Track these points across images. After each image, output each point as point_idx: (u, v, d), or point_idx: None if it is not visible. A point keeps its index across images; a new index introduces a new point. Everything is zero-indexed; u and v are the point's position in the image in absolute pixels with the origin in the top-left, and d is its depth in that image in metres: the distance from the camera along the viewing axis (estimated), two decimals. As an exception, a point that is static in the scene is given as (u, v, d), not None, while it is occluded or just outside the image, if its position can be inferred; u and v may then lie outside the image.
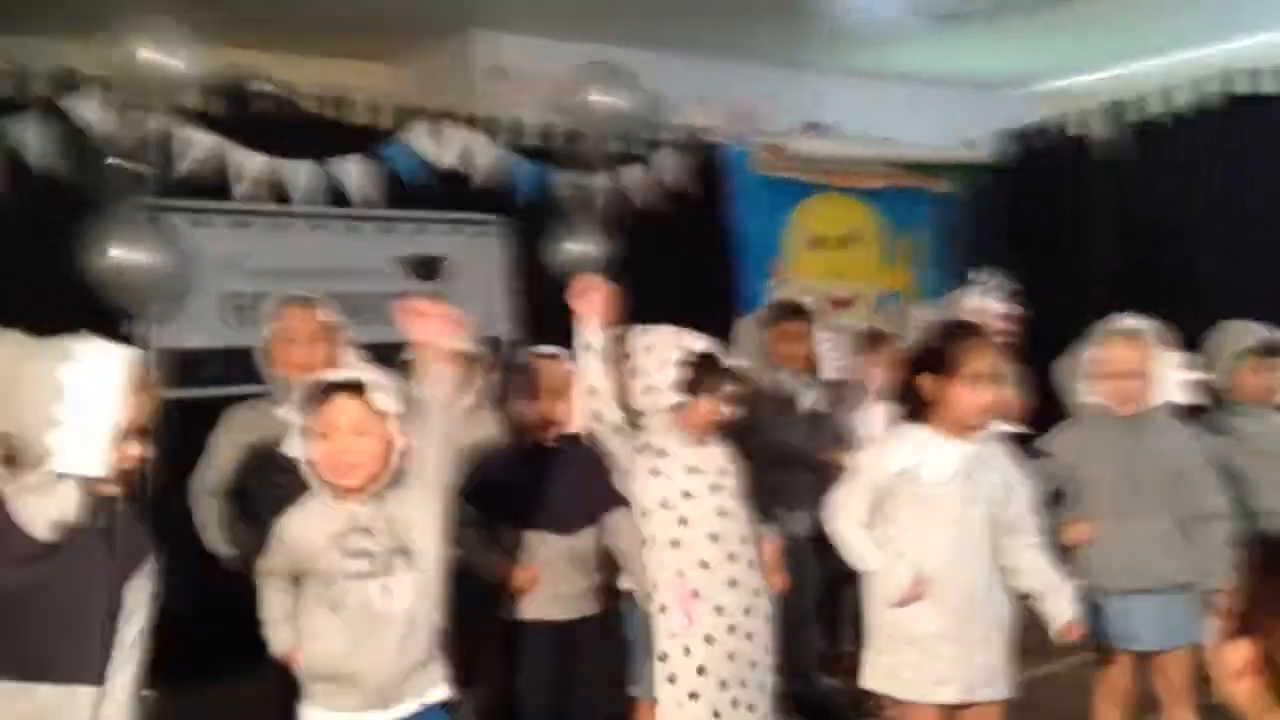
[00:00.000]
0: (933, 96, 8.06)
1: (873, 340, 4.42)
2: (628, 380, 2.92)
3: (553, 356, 3.18)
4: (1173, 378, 3.22)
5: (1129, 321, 3.25)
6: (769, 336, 4.12)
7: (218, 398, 4.71)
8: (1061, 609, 2.78)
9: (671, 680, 2.78)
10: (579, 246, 5.68)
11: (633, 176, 6.19)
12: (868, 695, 3.01)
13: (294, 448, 2.51)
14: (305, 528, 2.50)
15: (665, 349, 2.85)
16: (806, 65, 7.46)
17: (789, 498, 3.56)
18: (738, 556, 2.88)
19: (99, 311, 4.44)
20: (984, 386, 2.71)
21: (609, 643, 3.22)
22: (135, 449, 2.22)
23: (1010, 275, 7.35)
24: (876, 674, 2.81)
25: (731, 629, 2.82)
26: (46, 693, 2.10)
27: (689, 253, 6.27)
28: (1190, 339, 4.28)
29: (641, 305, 5.07)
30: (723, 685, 2.77)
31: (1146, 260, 6.73)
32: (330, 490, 2.48)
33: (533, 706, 3.07)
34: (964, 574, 2.70)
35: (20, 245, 4.48)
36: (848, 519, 2.82)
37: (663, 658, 2.81)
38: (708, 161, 6.52)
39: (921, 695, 2.73)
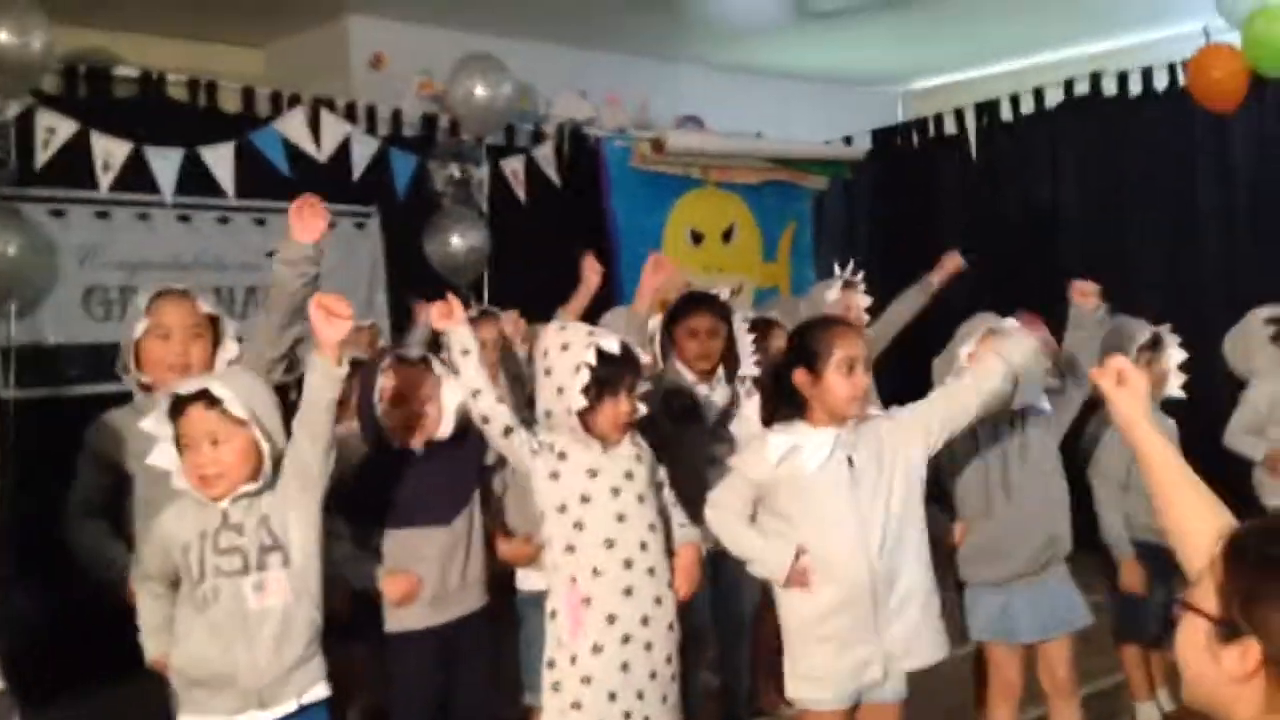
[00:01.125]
0: (804, 92, 8.18)
1: (763, 330, 4.33)
2: (540, 377, 2.86)
3: (420, 361, 3.11)
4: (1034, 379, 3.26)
5: (999, 321, 3.32)
6: (677, 332, 3.87)
7: (79, 396, 4.60)
8: None
9: (555, 688, 2.73)
10: (457, 239, 5.64)
11: (511, 168, 6.14)
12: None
13: (161, 458, 2.51)
14: (177, 526, 2.51)
15: (579, 349, 2.78)
16: (680, 58, 7.50)
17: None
18: (634, 563, 2.80)
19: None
20: (856, 373, 2.75)
21: (492, 645, 3.19)
22: None
23: (878, 269, 7.59)
24: (796, 681, 2.80)
25: (626, 638, 2.74)
26: None
27: (568, 246, 6.21)
28: (1056, 334, 4.46)
29: (520, 298, 5.07)
30: (612, 697, 2.71)
31: (1012, 255, 6.95)
32: (198, 489, 2.50)
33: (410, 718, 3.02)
34: (860, 557, 2.70)
35: None
36: (726, 514, 2.84)
37: (550, 664, 2.76)
38: (586, 154, 6.49)
39: (836, 686, 2.73)
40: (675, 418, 3.72)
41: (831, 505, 2.72)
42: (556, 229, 6.21)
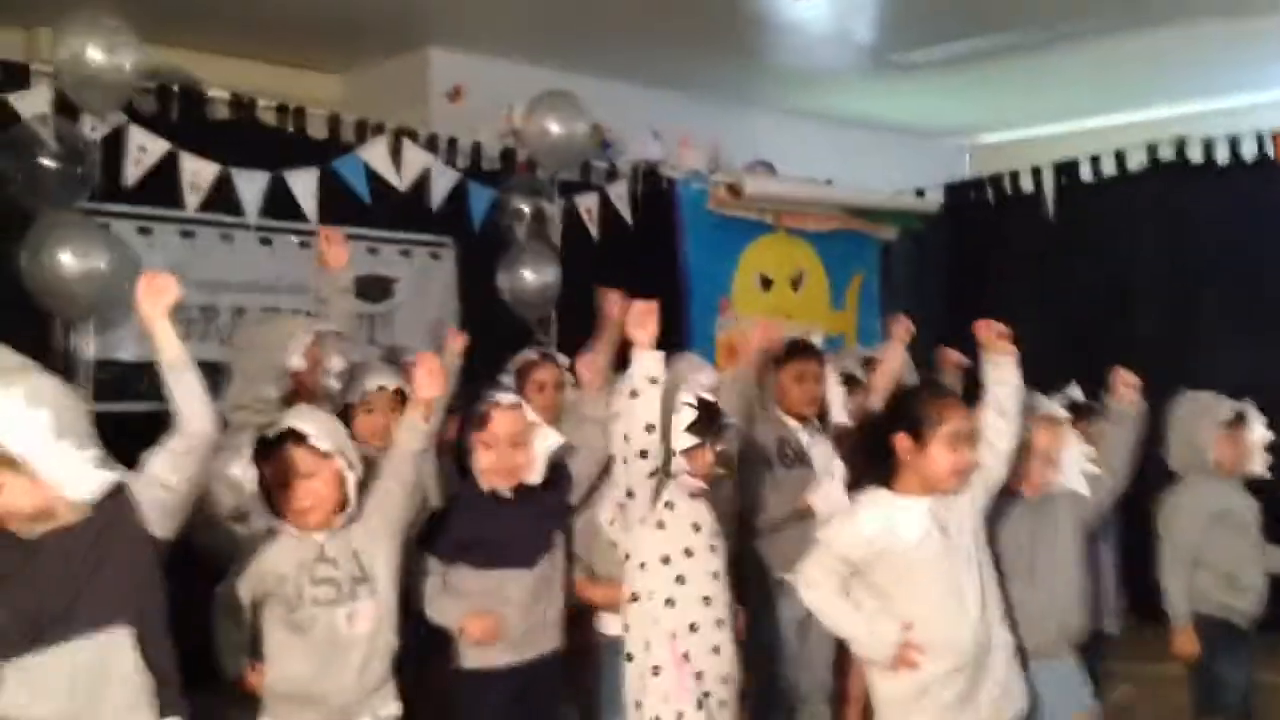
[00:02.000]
0: (870, 141, 8.15)
1: (849, 385, 4.30)
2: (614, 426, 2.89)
3: (513, 406, 3.11)
4: (1076, 463, 3.24)
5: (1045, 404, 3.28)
6: (782, 377, 3.94)
7: (154, 413, 4.58)
8: None
9: None
10: (530, 274, 5.61)
11: (586, 205, 6.12)
12: None
13: (254, 505, 2.72)
14: (277, 559, 2.69)
15: (679, 393, 2.82)
16: (752, 102, 7.48)
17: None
18: (724, 623, 2.84)
19: (31, 318, 4.28)
20: (961, 449, 2.69)
21: (567, 686, 3.24)
22: None
23: (946, 324, 7.50)
24: None
25: (706, 695, 2.78)
26: None
27: (639, 285, 6.16)
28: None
29: (588, 336, 5.04)
30: None
31: (1084, 322, 6.84)
32: (294, 524, 2.69)
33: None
34: (963, 625, 2.68)
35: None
36: (823, 592, 2.77)
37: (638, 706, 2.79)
38: (660, 195, 6.47)
39: None
40: (789, 463, 3.75)
41: (931, 580, 2.67)
42: (627, 268, 6.17)
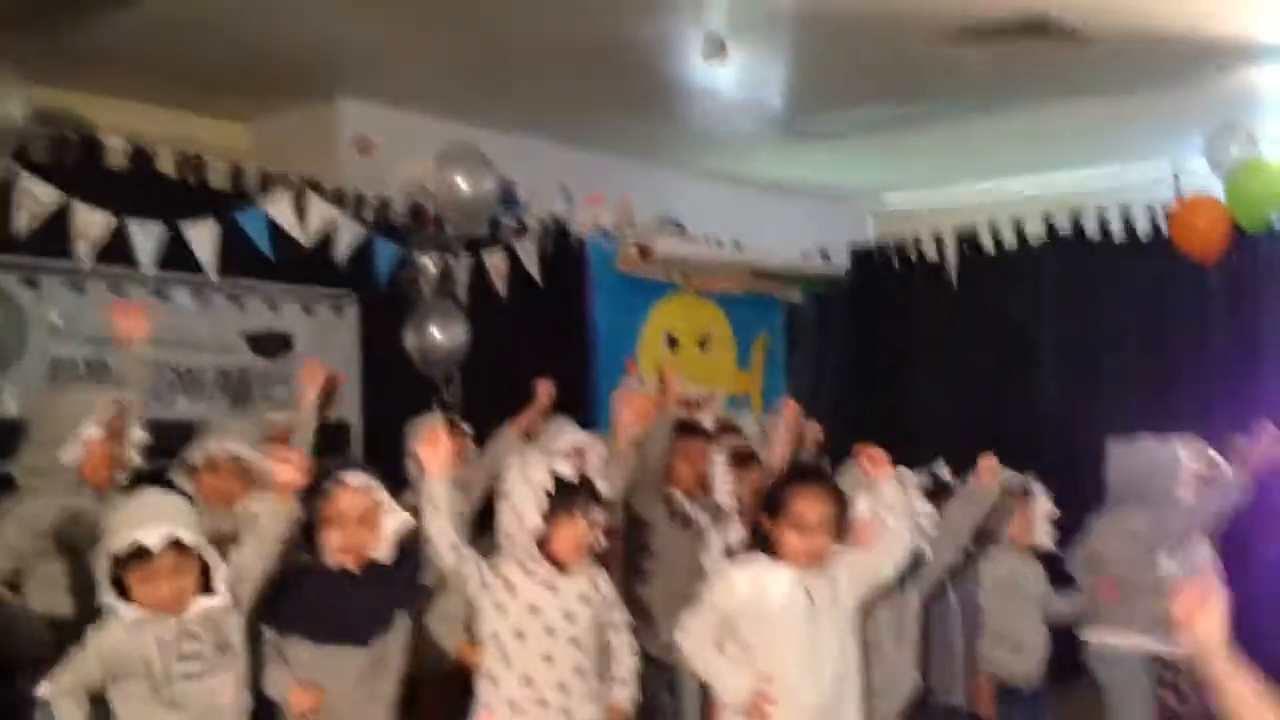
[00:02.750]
0: (783, 204, 8.23)
1: (740, 461, 4.36)
2: (500, 501, 2.99)
3: (361, 487, 3.07)
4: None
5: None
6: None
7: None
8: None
9: None
10: (437, 332, 5.53)
11: (493, 262, 6.06)
12: None
13: (106, 595, 2.71)
14: (133, 639, 2.68)
15: (536, 473, 2.91)
16: (664, 163, 7.52)
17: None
18: (549, 704, 2.91)
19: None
20: (811, 533, 2.93)
21: None
22: None
23: (849, 387, 7.58)
24: None
25: None
26: None
27: (547, 344, 6.16)
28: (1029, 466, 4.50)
29: (496, 394, 4.97)
30: None
31: (987, 388, 6.97)
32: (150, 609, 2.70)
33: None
34: (812, 690, 2.90)
35: None
36: (694, 640, 3.00)
37: None
38: (569, 252, 6.44)
39: None
40: (677, 523, 4.09)
41: (789, 642, 2.91)
42: (535, 326, 6.14)
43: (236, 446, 3.79)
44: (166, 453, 4.58)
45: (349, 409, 5.44)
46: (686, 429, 4.28)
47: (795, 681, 2.89)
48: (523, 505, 2.89)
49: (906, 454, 4.22)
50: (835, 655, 2.94)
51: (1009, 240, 6.98)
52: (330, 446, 4.82)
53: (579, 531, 2.93)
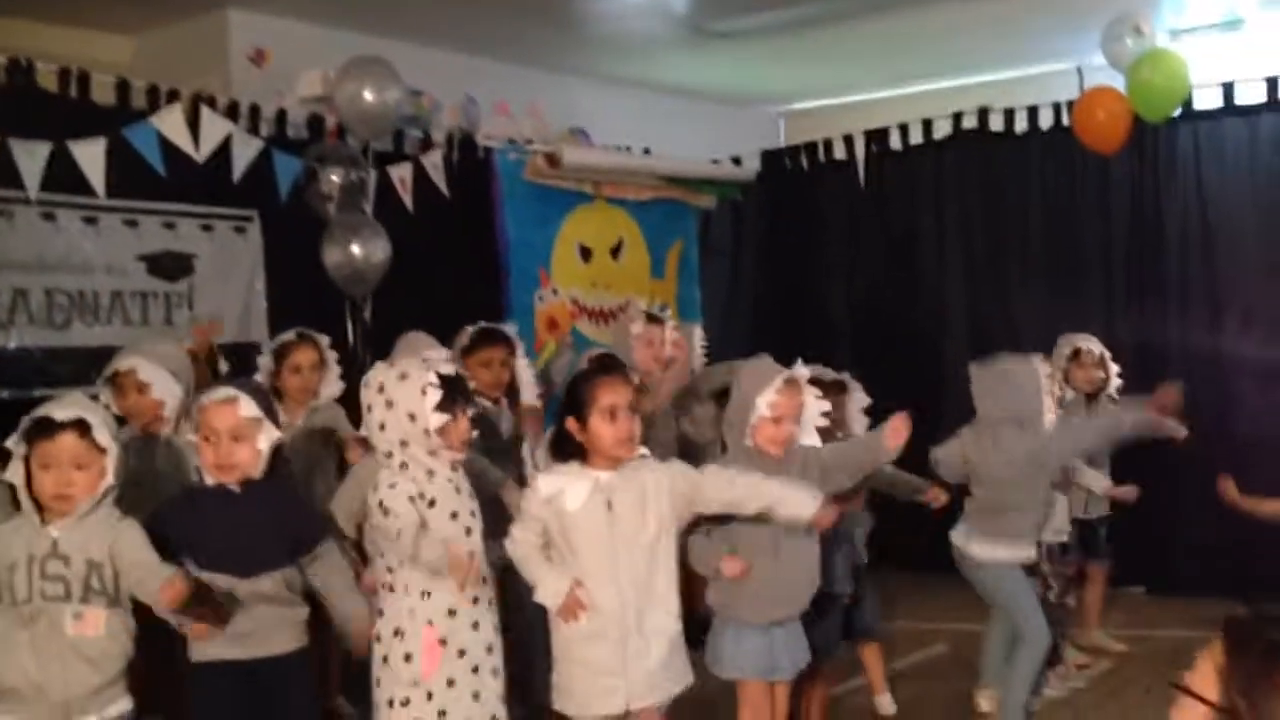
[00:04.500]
0: (693, 109, 8.17)
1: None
2: (380, 417, 2.99)
3: (227, 400, 3.04)
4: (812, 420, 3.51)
5: (791, 370, 3.45)
6: (469, 363, 4.16)
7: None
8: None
9: None
10: (357, 248, 5.41)
11: (399, 176, 5.93)
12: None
13: (13, 474, 2.73)
14: (8, 546, 2.72)
15: (420, 373, 2.97)
16: (571, 70, 7.40)
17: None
18: (479, 599, 3.03)
19: None
20: (619, 419, 2.97)
21: (305, 681, 3.16)
22: None
23: (763, 291, 7.62)
24: (557, 694, 3.07)
25: (475, 669, 2.98)
26: None
27: (457, 258, 6.07)
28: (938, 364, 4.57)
29: (407, 310, 4.90)
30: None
31: (893, 283, 7.04)
32: (38, 514, 2.73)
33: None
34: (612, 593, 2.96)
35: None
36: (520, 547, 3.05)
37: (405, 703, 2.90)
38: (476, 164, 6.32)
39: (586, 708, 3.00)
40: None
41: (588, 543, 2.97)
42: (444, 240, 6.04)
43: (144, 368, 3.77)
44: (63, 380, 4.52)
45: (256, 330, 5.33)
46: (483, 337, 4.34)
47: (595, 589, 2.95)
48: (416, 407, 2.93)
49: (819, 352, 4.28)
50: (640, 561, 2.98)
51: (916, 138, 6.99)
52: (237, 368, 4.76)
53: (463, 426, 3.01)
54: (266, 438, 3.04)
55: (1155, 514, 5.46)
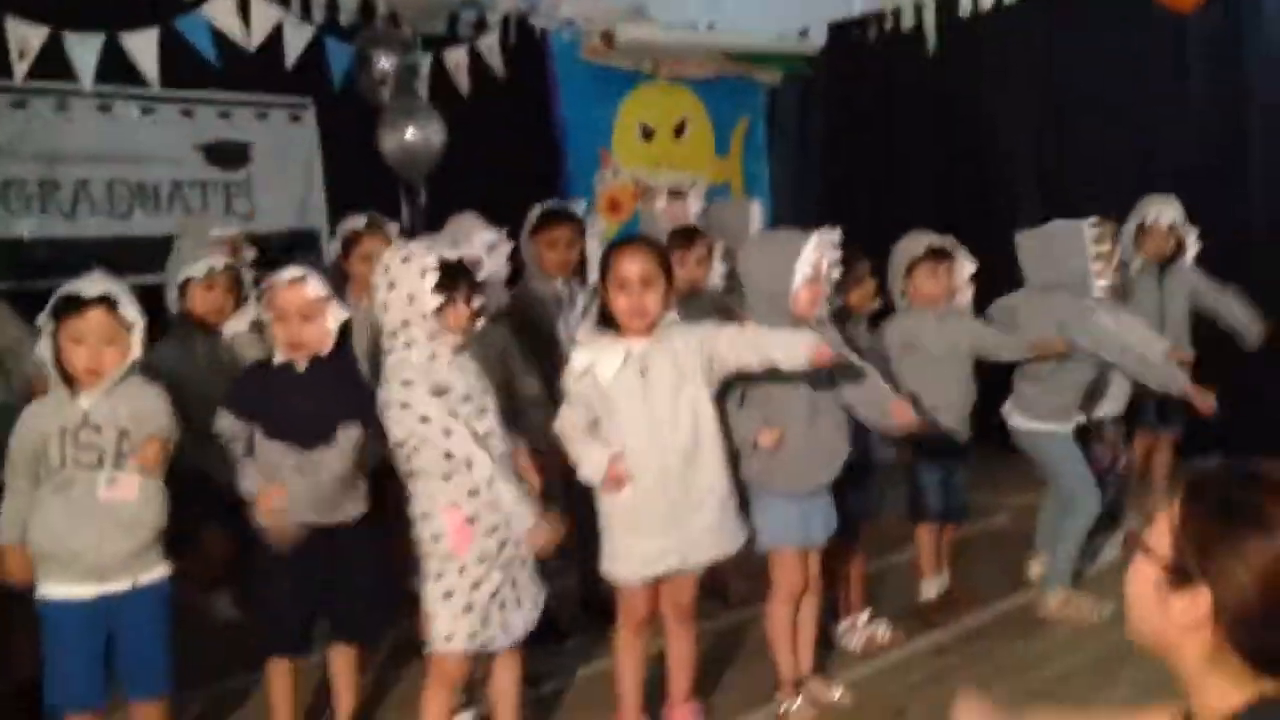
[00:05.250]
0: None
1: (684, 239, 4.31)
2: (384, 297, 2.96)
3: (296, 280, 3.08)
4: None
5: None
6: (536, 244, 4.10)
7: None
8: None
9: (447, 596, 2.93)
10: (413, 132, 5.42)
11: (454, 60, 5.91)
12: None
13: (41, 350, 2.79)
14: (40, 420, 2.80)
15: (422, 256, 2.95)
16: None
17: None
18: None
19: None
20: (631, 291, 2.98)
21: (373, 543, 3.22)
22: None
23: (832, 167, 7.45)
24: (608, 560, 3.10)
25: (503, 544, 2.98)
26: None
27: (515, 141, 6.06)
28: (1006, 233, 4.45)
29: (465, 194, 4.92)
30: (494, 595, 2.96)
31: (965, 155, 6.83)
32: (68, 388, 2.79)
33: (285, 611, 3.13)
34: (655, 459, 2.98)
35: None
36: (564, 425, 3.08)
37: (439, 576, 2.95)
38: (532, 46, 6.27)
39: (635, 573, 3.05)
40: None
41: (628, 414, 3.00)
42: (501, 124, 6.02)
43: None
44: (126, 269, 4.64)
45: (314, 217, 5.42)
46: (550, 217, 4.18)
47: (640, 456, 2.97)
48: (415, 288, 2.91)
49: (894, 228, 4.18)
50: (680, 426, 3.00)
51: (987, 4, 6.71)
52: (296, 252, 4.85)
53: (463, 311, 2.97)
54: (334, 317, 3.09)
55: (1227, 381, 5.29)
